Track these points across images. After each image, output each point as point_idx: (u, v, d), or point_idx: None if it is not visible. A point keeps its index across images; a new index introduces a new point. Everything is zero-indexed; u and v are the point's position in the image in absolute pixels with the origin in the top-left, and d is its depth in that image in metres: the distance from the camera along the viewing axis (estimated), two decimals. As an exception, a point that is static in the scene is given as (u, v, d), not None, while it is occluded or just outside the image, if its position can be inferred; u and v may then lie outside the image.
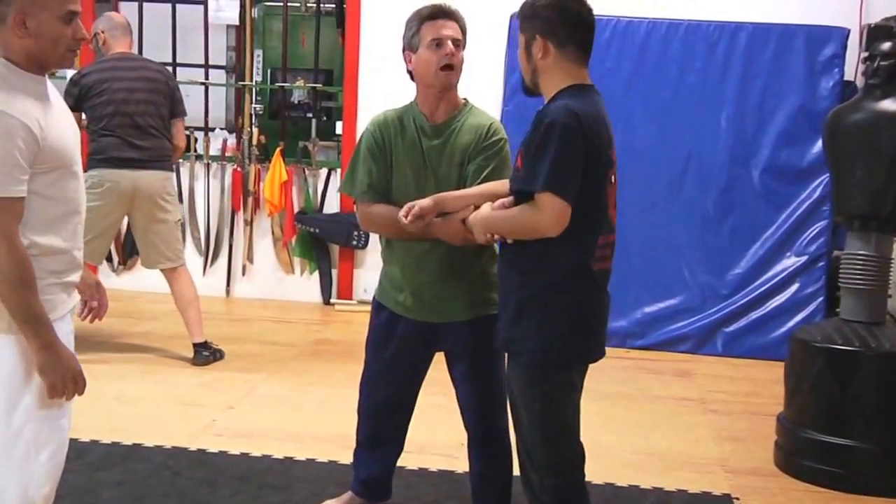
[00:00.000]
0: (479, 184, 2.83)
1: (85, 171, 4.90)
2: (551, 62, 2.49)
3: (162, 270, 5.07)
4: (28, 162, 2.09)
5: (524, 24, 2.53)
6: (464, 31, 2.88)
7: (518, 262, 2.51)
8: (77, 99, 4.80)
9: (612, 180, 2.50)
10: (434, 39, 2.82)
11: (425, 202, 2.76)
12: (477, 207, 2.68)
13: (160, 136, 4.97)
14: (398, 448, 3.23)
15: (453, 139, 2.88)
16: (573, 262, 2.45)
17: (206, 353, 5.04)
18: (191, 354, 5.07)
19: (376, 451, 3.21)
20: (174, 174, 5.21)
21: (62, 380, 2.18)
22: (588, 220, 2.42)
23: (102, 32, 4.96)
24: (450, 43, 2.82)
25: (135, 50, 5.35)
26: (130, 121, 4.84)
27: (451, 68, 2.84)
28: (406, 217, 2.74)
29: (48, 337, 2.15)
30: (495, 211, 2.52)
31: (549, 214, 2.34)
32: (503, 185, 2.68)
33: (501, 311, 2.60)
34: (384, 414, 3.16)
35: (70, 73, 5.91)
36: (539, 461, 2.54)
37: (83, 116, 4.88)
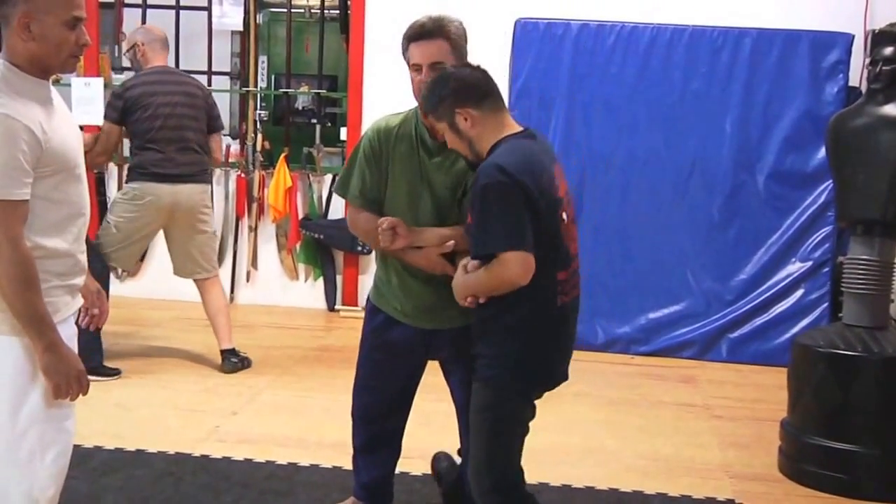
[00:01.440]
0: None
1: (127, 182, 4.96)
2: (479, 125, 2.59)
3: (195, 281, 5.08)
4: (31, 165, 2.10)
5: (439, 114, 2.62)
6: (454, 43, 2.78)
7: (485, 307, 2.59)
8: (122, 112, 4.82)
9: (564, 218, 2.59)
10: (414, 65, 2.79)
11: (400, 225, 2.79)
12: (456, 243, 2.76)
13: (200, 150, 5.01)
14: (396, 452, 3.22)
15: (451, 161, 2.81)
16: (536, 302, 2.55)
17: (234, 360, 5.05)
18: (194, 362, 5.07)
19: (373, 457, 3.20)
20: (210, 186, 5.23)
21: (66, 381, 2.19)
22: (546, 261, 2.51)
23: (142, 45, 4.95)
24: (426, 68, 2.75)
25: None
26: (173, 135, 4.86)
27: None
28: (383, 226, 2.78)
29: (52, 338, 2.16)
30: (469, 276, 2.59)
31: (515, 267, 2.46)
32: None
33: (474, 342, 2.70)
34: (378, 419, 3.14)
35: (74, 79, 5.95)
36: (483, 482, 2.66)
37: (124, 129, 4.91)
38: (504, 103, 2.67)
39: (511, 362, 2.60)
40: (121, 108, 4.82)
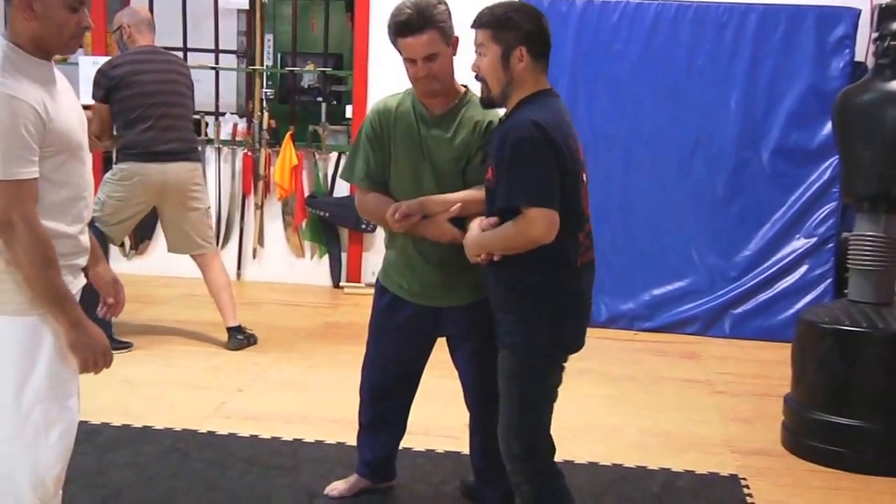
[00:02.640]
0: (476, 182, 2.80)
1: (116, 163, 4.96)
2: (527, 72, 2.58)
3: (193, 257, 5.10)
4: (37, 144, 2.11)
5: (499, 35, 2.57)
6: (441, 29, 2.74)
7: (504, 270, 2.60)
8: (107, 90, 4.79)
9: (584, 179, 2.61)
10: (406, 58, 2.79)
11: (412, 203, 2.80)
12: (464, 210, 2.76)
13: (188, 129, 5.01)
14: (401, 430, 3.26)
15: (452, 132, 2.84)
16: (558, 261, 2.55)
17: (240, 337, 5.07)
18: (200, 339, 5.10)
19: (379, 435, 3.24)
20: (201, 164, 5.22)
21: (93, 355, 2.22)
22: (568, 222, 2.51)
23: (128, 27, 4.92)
24: (420, 61, 2.75)
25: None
26: (161, 112, 4.83)
27: (428, 80, 2.79)
28: (394, 216, 2.79)
29: (76, 314, 2.18)
30: (486, 233, 2.59)
31: (541, 225, 2.45)
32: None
33: (494, 309, 2.70)
34: (386, 397, 3.18)
35: (82, 57, 5.95)
36: (512, 447, 2.67)
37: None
38: (547, 67, 2.65)
39: (535, 327, 2.59)
40: (106, 85, 4.77)
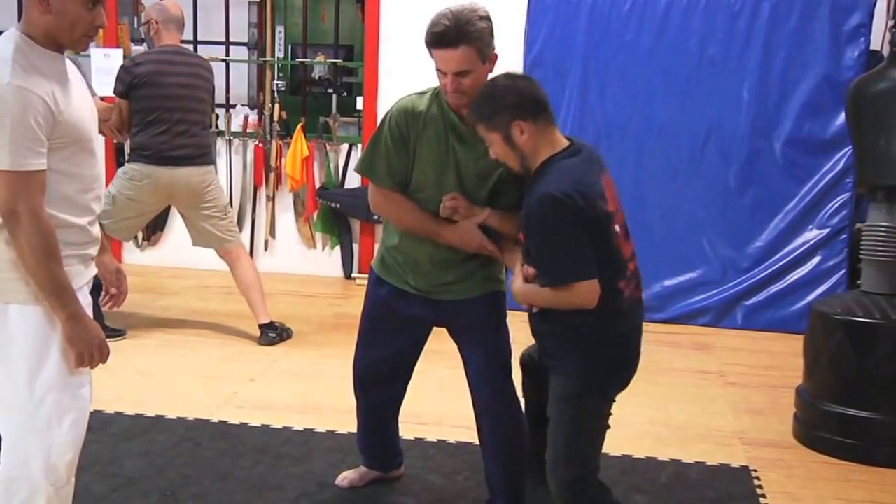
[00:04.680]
0: (504, 192, 2.79)
1: (128, 161, 4.96)
2: (534, 139, 2.55)
3: (220, 255, 5.09)
4: (46, 135, 2.12)
5: (494, 125, 2.56)
6: (478, 46, 2.64)
7: (554, 314, 2.60)
8: (128, 87, 4.78)
9: (617, 230, 2.58)
10: (438, 69, 2.70)
11: (466, 204, 2.77)
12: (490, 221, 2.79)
13: (203, 133, 4.99)
14: (396, 420, 3.26)
15: (483, 150, 2.68)
16: (601, 315, 2.54)
17: (272, 335, 5.04)
18: (212, 329, 5.11)
19: (377, 433, 3.26)
20: (213, 165, 5.18)
21: (89, 349, 2.22)
22: (607, 278, 2.52)
23: (156, 22, 4.89)
24: (451, 75, 2.64)
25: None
26: (178, 117, 4.82)
27: (457, 95, 2.69)
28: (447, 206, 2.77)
29: (75, 308, 2.19)
30: (532, 289, 2.59)
31: (585, 295, 2.49)
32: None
33: (541, 337, 2.70)
34: (381, 385, 3.16)
35: (94, 49, 5.97)
36: (559, 474, 2.64)
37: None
38: (553, 117, 2.63)
39: (594, 366, 2.60)
40: (128, 82, 4.77)
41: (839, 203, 5.64)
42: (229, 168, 6.71)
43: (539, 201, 2.48)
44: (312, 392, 4.30)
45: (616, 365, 2.65)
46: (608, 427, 2.71)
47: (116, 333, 4.87)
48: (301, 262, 6.75)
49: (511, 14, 5.77)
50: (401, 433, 3.34)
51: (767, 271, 5.69)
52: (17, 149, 2.07)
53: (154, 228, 6.69)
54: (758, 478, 3.51)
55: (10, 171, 2.07)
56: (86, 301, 2.30)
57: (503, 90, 2.57)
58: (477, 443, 3.25)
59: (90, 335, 2.22)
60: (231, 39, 6.93)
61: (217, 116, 6.68)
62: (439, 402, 4.06)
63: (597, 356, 2.59)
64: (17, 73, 2.08)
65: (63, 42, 2.20)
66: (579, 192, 2.47)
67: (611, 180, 2.64)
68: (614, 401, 2.70)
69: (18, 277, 2.16)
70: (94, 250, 2.34)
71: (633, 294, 2.63)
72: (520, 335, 2.97)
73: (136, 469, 3.37)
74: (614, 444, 3.71)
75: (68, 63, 2.27)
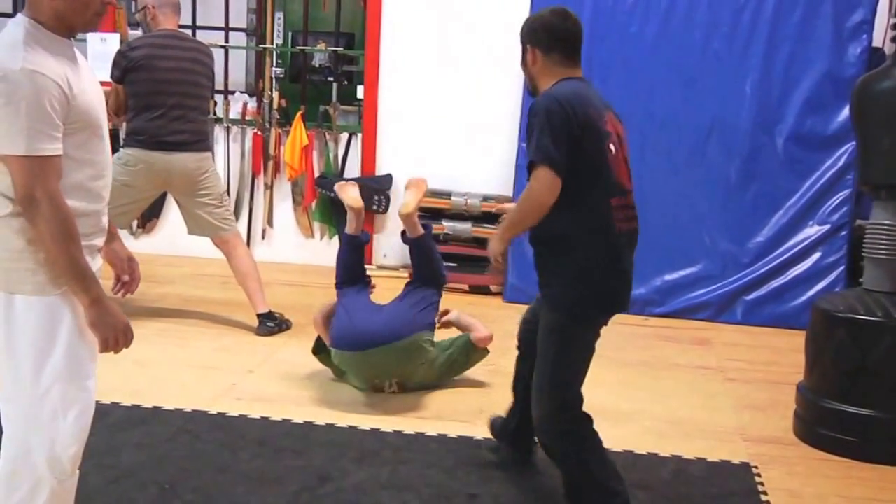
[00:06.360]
0: None
1: (122, 146, 4.91)
2: (540, 67, 2.86)
3: (216, 244, 5.06)
4: (61, 120, 2.09)
5: (521, 40, 2.91)
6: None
7: (546, 237, 2.79)
8: (124, 71, 4.74)
9: (612, 149, 2.76)
10: None
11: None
12: None
13: (200, 119, 4.94)
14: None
15: None
16: (594, 226, 2.72)
17: (270, 324, 5.00)
18: (210, 319, 5.08)
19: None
20: (210, 152, 5.14)
21: (113, 334, 2.21)
22: (595, 188, 2.70)
23: (153, 8, 4.85)
24: None
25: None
26: (174, 103, 4.77)
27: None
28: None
29: (97, 292, 2.17)
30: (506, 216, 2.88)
31: (541, 182, 2.64)
32: None
33: (539, 273, 2.85)
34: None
35: (90, 34, 5.91)
36: (543, 405, 2.80)
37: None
38: (578, 57, 2.86)
39: (572, 289, 2.74)
40: (123, 66, 4.73)
41: (840, 199, 5.64)
42: (227, 156, 6.68)
43: (538, 101, 2.73)
44: (311, 384, 4.27)
45: (604, 296, 2.79)
46: (590, 359, 2.84)
47: None
48: (299, 251, 6.73)
49: (515, 5, 5.74)
50: (401, 428, 3.32)
51: (768, 266, 5.68)
52: (33, 133, 2.03)
53: (149, 215, 6.66)
54: (759, 474, 3.50)
55: (26, 157, 2.04)
56: None
57: (537, 17, 2.90)
58: (478, 437, 3.25)
59: (115, 319, 2.21)
60: (230, 25, 6.89)
61: (215, 103, 6.64)
62: (440, 397, 4.04)
63: (585, 287, 2.73)
64: (29, 58, 2.05)
65: (76, 23, 2.17)
66: (575, 100, 2.69)
67: (615, 118, 2.87)
68: (599, 333, 2.84)
69: (24, 268, 2.14)
70: (100, 241, 2.31)
71: (626, 223, 2.78)
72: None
73: (134, 461, 3.34)
74: (616, 440, 3.71)
75: (76, 49, 2.24)
